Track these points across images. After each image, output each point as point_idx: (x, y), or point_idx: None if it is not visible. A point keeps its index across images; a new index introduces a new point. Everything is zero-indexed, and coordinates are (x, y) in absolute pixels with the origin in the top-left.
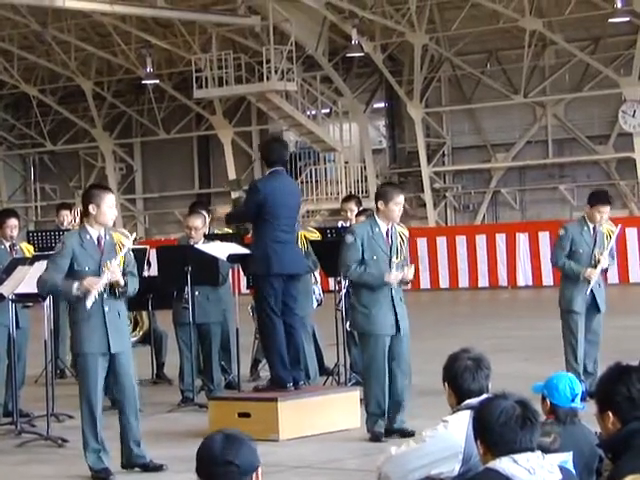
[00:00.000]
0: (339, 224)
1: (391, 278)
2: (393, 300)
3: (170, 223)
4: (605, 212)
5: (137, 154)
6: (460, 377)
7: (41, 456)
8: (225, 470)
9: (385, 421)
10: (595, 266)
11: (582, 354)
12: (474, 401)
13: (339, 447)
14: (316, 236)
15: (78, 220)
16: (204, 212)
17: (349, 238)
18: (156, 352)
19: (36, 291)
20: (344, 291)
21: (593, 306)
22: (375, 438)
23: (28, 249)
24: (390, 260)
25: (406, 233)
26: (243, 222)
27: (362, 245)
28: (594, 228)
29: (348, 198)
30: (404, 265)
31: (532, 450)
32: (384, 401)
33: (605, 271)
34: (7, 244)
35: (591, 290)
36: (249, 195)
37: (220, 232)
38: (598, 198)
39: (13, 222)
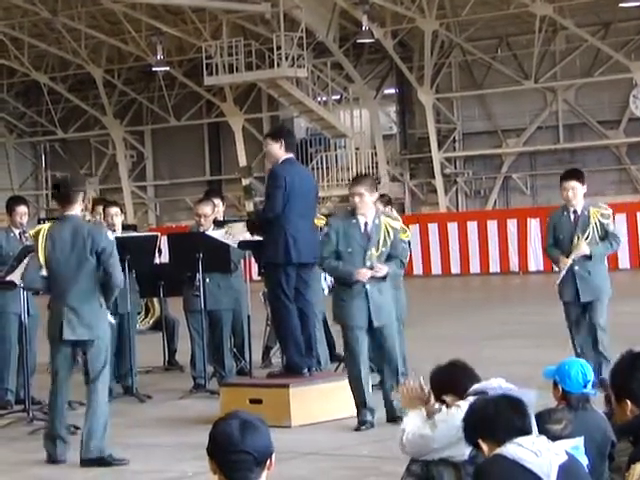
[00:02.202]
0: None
1: (360, 275)
2: (367, 294)
3: (181, 210)
4: (571, 188)
5: (148, 141)
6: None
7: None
8: (242, 458)
9: (369, 410)
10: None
11: (579, 343)
12: (480, 385)
13: (351, 433)
14: (323, 222)
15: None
16: (218, 199)
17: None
18: (168, 339)
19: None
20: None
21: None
22: (357, 426)
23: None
24: (366, 253)
25: (396, 225)
26: (276, 211)
27: (337, 237)
28: (574, 212)
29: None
30: (392, 258)
31: (529, 433)
32: (363, 391)
33: (612, 256)
34: (17, 231)
35: (574, 278)
36: (274, 186)
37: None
38: (563, 175)
39: (22, 209)
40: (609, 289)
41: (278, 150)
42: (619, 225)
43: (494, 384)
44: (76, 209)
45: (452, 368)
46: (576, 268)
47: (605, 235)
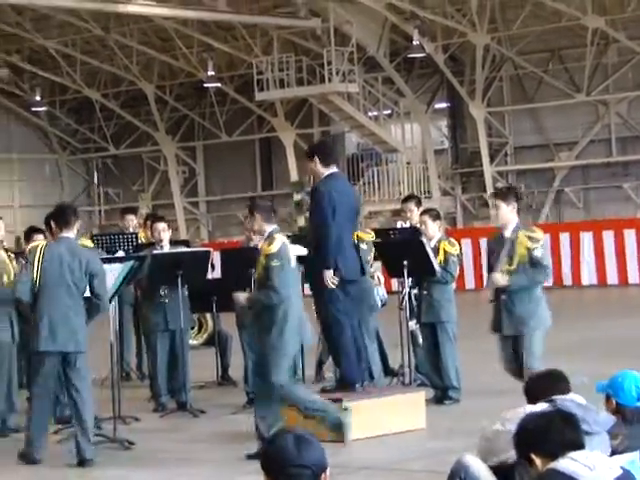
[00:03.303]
0: (399, 224)
1: None
2: None
3: (233, 225)
4: (495, 207)
5: (199, 157)
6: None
7: (108, 458)
8: (299, 472)
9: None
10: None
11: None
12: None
13: (404, 448)
14: (370, 237)
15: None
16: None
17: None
18: (221, 354)
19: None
20: (407, 291)
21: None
22: None
23: (86, 245)
24: None
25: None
26: (328, 227)
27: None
28: (501, 236)
29: (408, 198)
30: None
31: (582, 447)
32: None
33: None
34: None
35: (499, 309)
36: (320, 202)
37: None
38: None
39: None
40: (539, 322)
41: (316, 167)
42: None
43: (569, 398)
44: (72, 232)
45: (548, 377)
46: (503, 298)
47: (533, 263)
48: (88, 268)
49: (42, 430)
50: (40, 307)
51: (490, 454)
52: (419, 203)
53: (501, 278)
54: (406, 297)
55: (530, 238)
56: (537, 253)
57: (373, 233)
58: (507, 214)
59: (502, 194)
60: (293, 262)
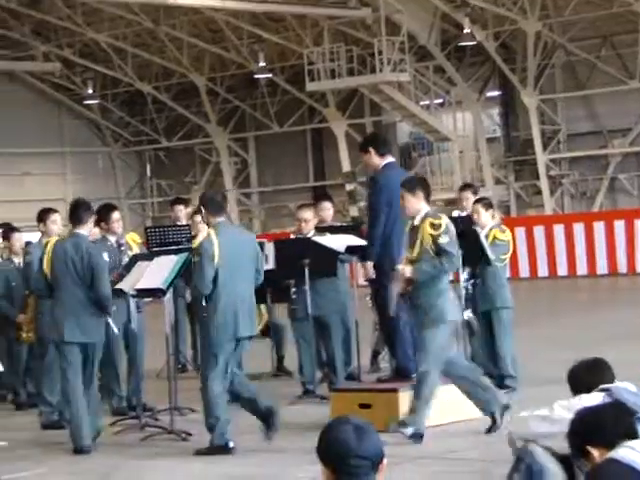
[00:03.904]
0: (455, 213)
1: None
2: None
3: (285, 216)
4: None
5: (251, 148)
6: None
7: (165, 449)
8: (360, 463)
9: None
10: None
11: None
12: (610, 385)
13: (461, 437)
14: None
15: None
16: (329, 203)
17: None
18: (276, 345)
19: (156, 286)
20: (464, 282)
21: None
22: None
23: (134, 239)
24: None
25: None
26: (378, 218)
27: None
28: (413, 226)
29: (464, 187)
30: None
31: (637, 436)
32: None
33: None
34: (113, 239)
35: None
36: (377, 191)
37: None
38: None
39: (117, 216)
40: (440, 315)
41: (372, 159)
42: None
43: (622, 386)
44: (84, 229)
45: (593, 365)
46: (408, 289)
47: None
48: (90, 263)
49: (86, 418)
50: (56, 299)
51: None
52: (476, 192)
53: (406, 269)
54: (463, 287)
55: (433, 225)
56: (441, 240)
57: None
58: (414, 205)
59: (407, 185)
60: (217, 258)
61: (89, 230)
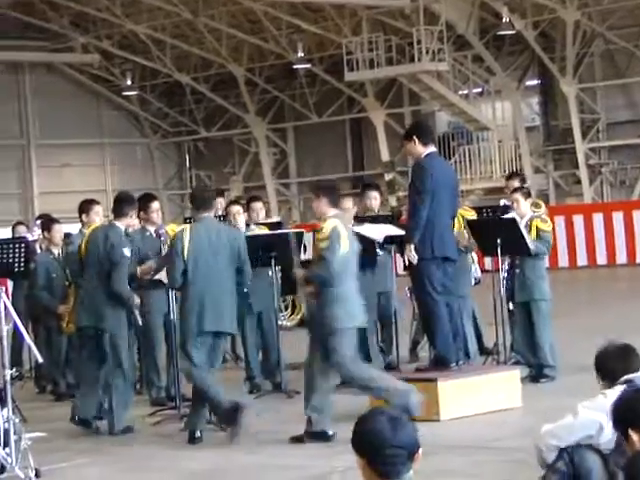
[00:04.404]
0: (501, 202)
1: None
2: None
3: None
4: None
5: (290, 138)
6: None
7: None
8: (394, 453)
9: None
10: None
11: None
12: (633, 376)
13: (500, 427)
14: (472, 215)
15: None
16: (376, 192)
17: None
18: None
19: None
20: (505, 272)
21: None
22: None
23: (174, 230)
24: None
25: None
26: (424, 203)
27: None
28: None
29: (511, 176)
30: None
31: None
32: None
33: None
34: (152, 229)
35: None
36: (422, 177)
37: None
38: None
39: (156, 205)
40: (337, 322)
41: (414, 148)
42: None
43: None
44: (123, 221)
45: (621, 351)
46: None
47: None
48: (110, 255)
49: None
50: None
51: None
52: (523, 180)
53: (298, 271)
54: (505, 275)
55: (320, 229)
56: (321, 245)
57: (473, 211)
58: (317, 208)
59: (313, 188)
60: (186, 253)
61: (128, 223)
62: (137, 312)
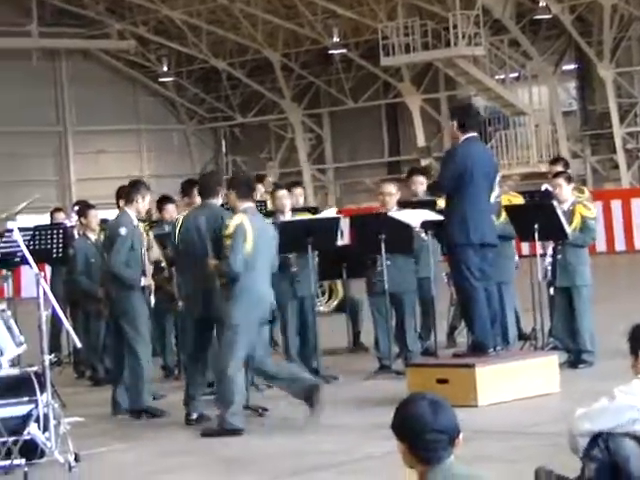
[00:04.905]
0: (543, 187)
1: None
2: None
3: (361, 192)
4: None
5: (326, 124)
6: None
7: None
8: (435, 438)
9: None
10: None
11: None
12: None
13: (539, 412)
14: (519, 200)
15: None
16: (422, 178)
17: None
18: (352, 320)
19: None
20: (549, 258)
21: None
22: None
23: None
24: None
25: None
26: (442, 191)
27: None
28: None
29: (555, 161)
30: None
31: None
32: None
33: None
34: None
35: None
36: (447, 163)
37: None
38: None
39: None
40: (228, 320)
41: (454, 130)
42: None
43: None
44: (131, 207)
45: None
46: None
47: None
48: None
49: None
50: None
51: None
52: (566, 165)
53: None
54: (548, 261)
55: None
56: (226, 243)
57: (520, 197)
58: (230, 202)
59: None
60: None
61: (137, 208)
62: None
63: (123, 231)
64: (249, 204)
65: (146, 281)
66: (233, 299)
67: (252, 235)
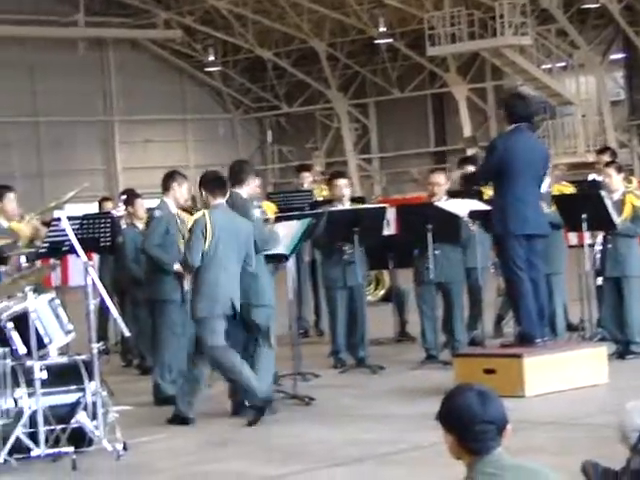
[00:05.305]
0: (590, 177)
1: None
2: None
3: (406, 182)
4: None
5: (372, 114)
6: None
7: (288, 414)
8: (484, 429)
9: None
10: None
11: None
12: None
13: (586, 403)
14: (570, 190)
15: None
16: (473, 167)
17: None
18: (398, 310)
19: (279, 252)
20: (599, 246)
21: None
22: None
23: (269, 207)
24: None
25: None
26: (484, 181)
27: None
28: None
29: (602, 150)
30: None
31: None
32: None
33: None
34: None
35: None
36: (488, 153)
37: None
38: None
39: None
40: (193, 313)
41: (502, 121)
42: None
43: None
44: (168, 196)
45: None
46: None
47: None
48: None
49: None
50: None
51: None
52: (614, 155)
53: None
54: (597, 251)
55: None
56: (187, 237)
57: (572, 187)
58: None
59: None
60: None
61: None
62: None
63: (157, 213)
64: (219, 201)
65: (179, 266)
66: (195, 292)
67: (211, 230)
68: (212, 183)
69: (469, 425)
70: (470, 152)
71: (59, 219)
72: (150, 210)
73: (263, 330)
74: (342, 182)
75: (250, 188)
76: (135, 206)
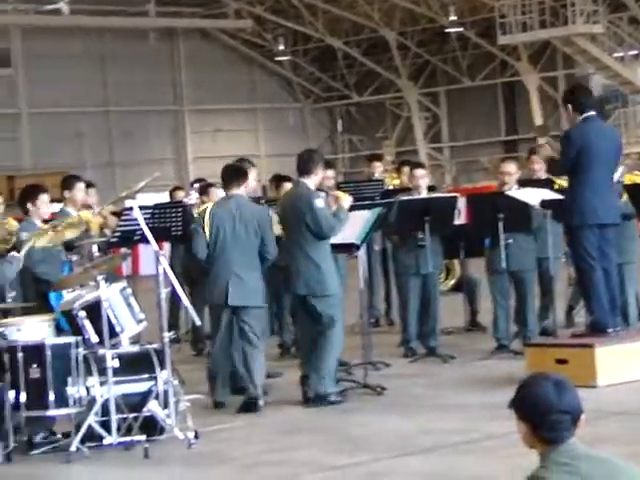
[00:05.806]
0: None
1: None
2: None
3: (477, 171)
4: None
5: (442, 103)
6: None
7: (359, 404)
8: (561, 418)
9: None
10: None
11: None
12: None
13: None
14: None
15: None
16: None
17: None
18: (469, 300)
19: (350, 241)
20: None
21: None
22: None
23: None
24: None
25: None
26: (566, 174)
27: None
28: None
29: None
30: None
31: None
32: None
33: None
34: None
35: None
36: (564, 146)
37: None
38: None
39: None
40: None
41: (570, 115)
42: None
43: None
44: (241, 188)
45: None
46: None
47: None
48: None
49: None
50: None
51: None
52: None
53: None
54: None
55: None
56: None
57: None
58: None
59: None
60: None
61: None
62: None
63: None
64: (234, 192)
65: None
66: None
67: (209, 222)
68: (225, 174)
69: (545, 414)
70: (541, 141)
71: (131, 208)
72: None
73: (326, 320)
74: (420, 172)
75: (318, 178)
76: (210, 195)
